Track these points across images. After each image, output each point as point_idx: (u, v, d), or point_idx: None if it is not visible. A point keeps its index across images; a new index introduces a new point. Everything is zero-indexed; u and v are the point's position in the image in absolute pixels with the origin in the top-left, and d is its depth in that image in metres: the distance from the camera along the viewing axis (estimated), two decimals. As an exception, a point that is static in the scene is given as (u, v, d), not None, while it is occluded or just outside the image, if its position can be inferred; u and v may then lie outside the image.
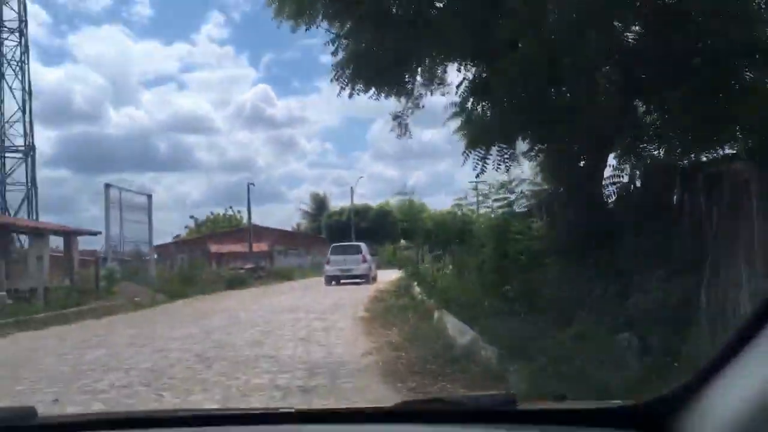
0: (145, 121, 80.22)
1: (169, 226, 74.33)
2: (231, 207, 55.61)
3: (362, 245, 26.24)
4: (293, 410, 1.48)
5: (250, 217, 41.11)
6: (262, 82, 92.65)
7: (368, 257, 25.41)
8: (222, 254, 37.62)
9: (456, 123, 7.55)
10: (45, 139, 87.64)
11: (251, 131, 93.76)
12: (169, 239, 45.46)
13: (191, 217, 58.80)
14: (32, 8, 70.69)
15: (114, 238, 19.87)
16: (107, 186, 19.84)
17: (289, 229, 53.89)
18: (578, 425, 1.30)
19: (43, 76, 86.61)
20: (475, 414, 1.36)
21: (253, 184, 40.59)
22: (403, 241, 25.87)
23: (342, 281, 23.77)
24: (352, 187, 44.35)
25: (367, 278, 23.80)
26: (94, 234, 20.56)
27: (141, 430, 1.44)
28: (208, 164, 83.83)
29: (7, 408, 1.54)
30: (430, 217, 19.88)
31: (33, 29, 68.63)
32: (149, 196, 22.50)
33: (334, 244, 27.36)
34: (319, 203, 56.16)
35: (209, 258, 33.93)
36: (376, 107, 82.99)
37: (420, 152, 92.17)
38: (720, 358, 1.08)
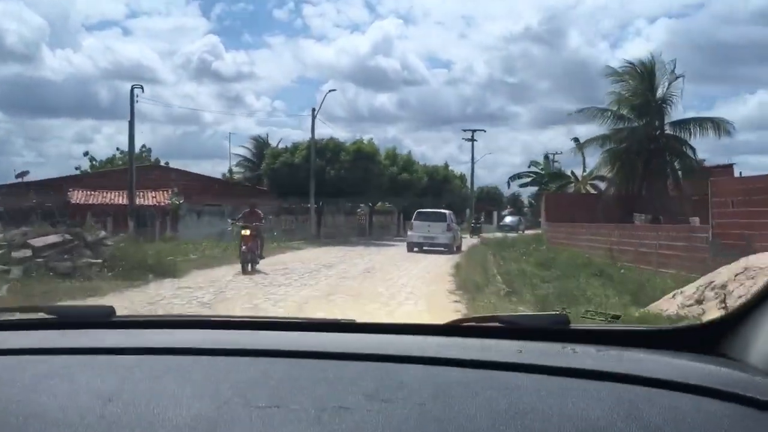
0: (86, 67, 75.71)
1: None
2: (147, 149, 43.34)
3: (448, 213, 25.67)
4: (353, 321, 1.55)
5: (132, 147, 26.62)
6: (212, 33, 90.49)
7: (454, 225, 24.90)
8: (89, 207, 25.71)
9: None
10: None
11: (198, 84, 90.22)
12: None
13: (85, 154, 46.43)
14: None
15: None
16: None
17: (220, 177, 41.51)
18: (632, 346, 1.30)
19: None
20: (527, 332, 1.38)
21: (140, 88, 26.59)
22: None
23: (425, 249, 23.16)
24: (314, 110, 31.29)
25: (450, 248, 23.03)
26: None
27: (206, 329, 1.54)
28: (152, 115, 79.41)
29: (87, 306, 1.96)
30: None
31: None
32: None
33: (418, 210, 25.73)
34: (261, 149, 41.25)
35: (68, 210, 24.31)
36: (328, 67, 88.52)
37: (370, 116, 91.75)
38: None
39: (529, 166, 37.40)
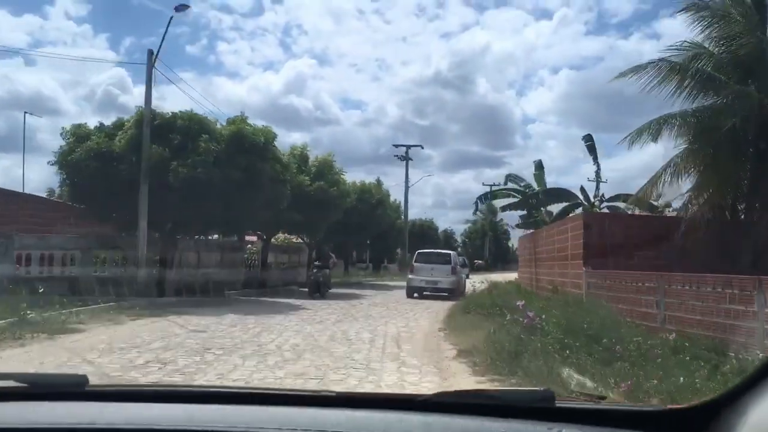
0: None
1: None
2: None
3: (453, 254, 24.39)
4: (334, 393, 1.55)
5: None
6: (120, 66, 79.86)
7: (458, 268, 23.26)
8: None
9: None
10: None
11: (104, 117, 76.39)
12: None
13: None
14: None
15: None
16: None
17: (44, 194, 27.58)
18: (617, 426, 1.30)
19: None
20: (512, 409, 1.37)
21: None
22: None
23: (425, 294, 21.59)
24: (151, 52, 17.00)
25: (455, 293, 21.04)
26: None
27: (185, 404, 1.47)
28: (53, 148, 64.67)
29: (60, 375, 2.06)
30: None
31: None
32: None
33: (419, 251, 24.26)
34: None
35: None
36: (239, 103, 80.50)
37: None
38: (760, 371, 1.13)
39: (505, 183, 25.19)
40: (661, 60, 14.13)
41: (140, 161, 16.05)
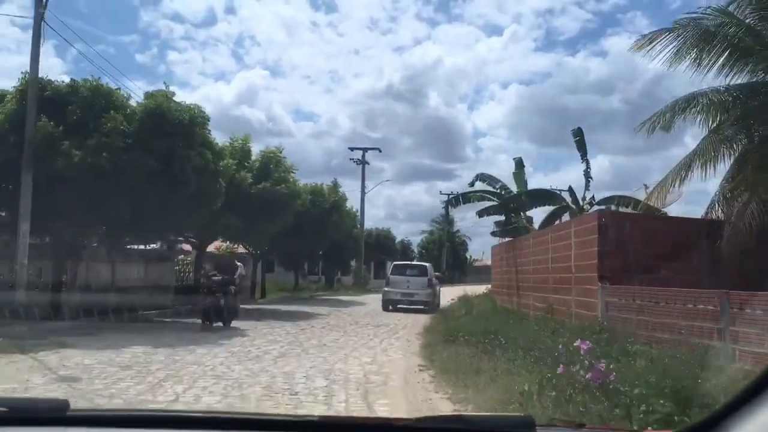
0: None
1: None
2: None
3: (429, 266, 23.52)
4: (316, 418, 1.56)
5: None
6: (66, 74, 79.66)
7: (435, 281, 22.43)
8: None
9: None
10: None
11: None
12: None
13: None
14: None
15: None
16: None
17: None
18: None
19: None
20: None
21: None
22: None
23: (400, 306, 20.77)
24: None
25: (431, 306, 20.52)
26: None
27: (166, 429, 1.47)
28: None
29: (40, 400, 1.77)
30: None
31: None
32: None
33: (395, 263, 23.92)
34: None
35: None
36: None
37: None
38: (744, 395, 1.11)
39: (472, 184, 21.83)
40: (692, 20, 11.32)
41: (23, 143, 12.15)
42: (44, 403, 1.53)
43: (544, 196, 18.77)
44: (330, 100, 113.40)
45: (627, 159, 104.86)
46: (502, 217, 20.71)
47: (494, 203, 20.28)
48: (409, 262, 24.81)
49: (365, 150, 42.10)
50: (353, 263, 40.87)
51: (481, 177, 21.77)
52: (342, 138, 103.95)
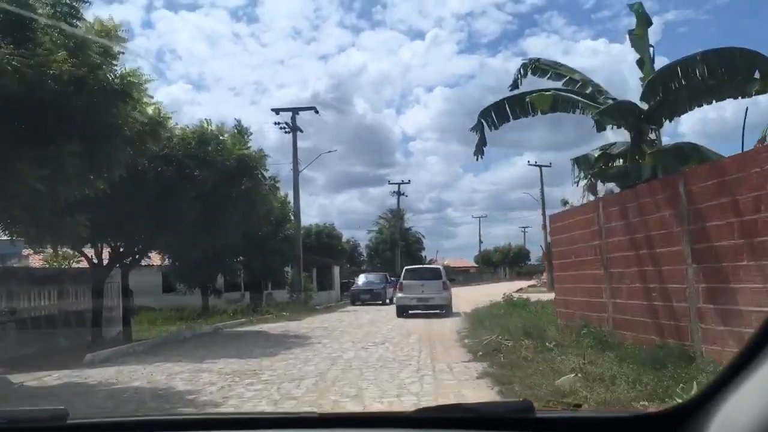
0: None
1: None
2: None
3: (441, 268, 23.13)
4: (316, 414, 1.55)
5: None
6: None
7: (448, 282, 21.95)
8: None
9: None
10: None
11: None
12: None
13: None
14: None
15: None
16: None
17: None
18: None
19: None
20: (492, 421, 1.36)
21: None
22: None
23: (415, 312, 20.23)
24: None
25: (448, 309, 20.32)
26: None
27: None
28: None
29: (39, 409, 1.56)
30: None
31: None
32: None
33: (407, 267, 22.79)
34: None
35: None
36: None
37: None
38: (734, 367, 1.07)
39: (517, 84, 10.63)
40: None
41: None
42: (44, 413, 1.47)
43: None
44: (256, 111, 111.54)
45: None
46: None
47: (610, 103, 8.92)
48: (421, 266, 25.34)
49: (296, 111, 30.19)
50: (288, 270, 28.43)
51: (538, 65, 10.41)
52: (270, 149, 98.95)
